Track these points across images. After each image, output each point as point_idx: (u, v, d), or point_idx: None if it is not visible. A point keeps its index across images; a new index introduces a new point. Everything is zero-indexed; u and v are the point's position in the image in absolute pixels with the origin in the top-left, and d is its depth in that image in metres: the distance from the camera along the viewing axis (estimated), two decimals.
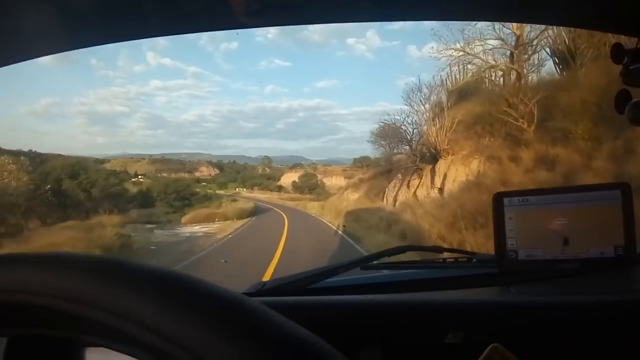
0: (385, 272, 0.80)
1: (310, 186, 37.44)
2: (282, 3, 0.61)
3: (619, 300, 0.59)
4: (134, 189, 25.60)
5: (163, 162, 46.13)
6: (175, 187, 26.39)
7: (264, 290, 0.69)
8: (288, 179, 39.76)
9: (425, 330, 0.58)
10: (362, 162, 36.97)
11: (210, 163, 49.06)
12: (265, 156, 48.52)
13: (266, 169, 45.99)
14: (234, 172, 46.79)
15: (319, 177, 37.79)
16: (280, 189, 39.33)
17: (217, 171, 46.98)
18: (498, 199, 0.69)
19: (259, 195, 36.86)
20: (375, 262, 0.77)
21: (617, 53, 0.65)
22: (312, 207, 19.68)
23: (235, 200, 25.83)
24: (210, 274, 5.04)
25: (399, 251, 0.79)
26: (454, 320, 0.58)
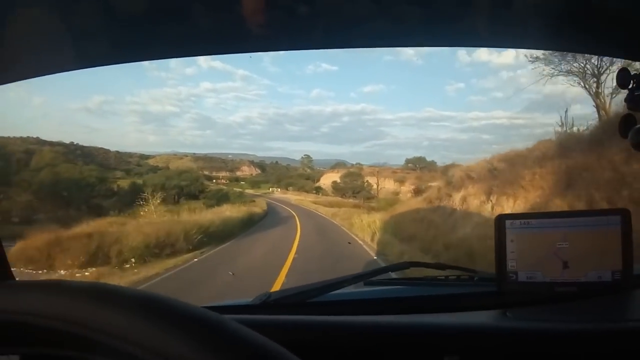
0: (387, 287, 0.94)
1: (354, 188, 35.86)
2: (294, 28, 0.74)
3: (614, 328, 0.68)
4: (122, 184, 24.62)
5: (206, 160, 51.65)
6: (178, 182, 25.12)
7: (268, 301, 0.84)
8: (328, 179, 39.65)
9: (422, 353, 0.65)
10: (415, 164, 35.95)
11: (252, 163, 54.35)
12: (305, 155, 50.08)
13: (306, 169, 47.32)
14: (276, 172, 49.82)
15: (365, 178, 36.65)
16: (318, 190, 39.11)
17: (259, 171, 51.64)
18: (500, 221, 0.83)
19: (291, 196, 36.41)
20: (378, 277, 0.92)
21: (623, 78, 0.76)
22: (368, 227, 11.21)
23: (244, 203, 23.96)
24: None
25: (402, 267, 0.96)
26: (451, 344, 0.66)
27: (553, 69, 10.58)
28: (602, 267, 0.78)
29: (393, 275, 0.96)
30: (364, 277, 0.91)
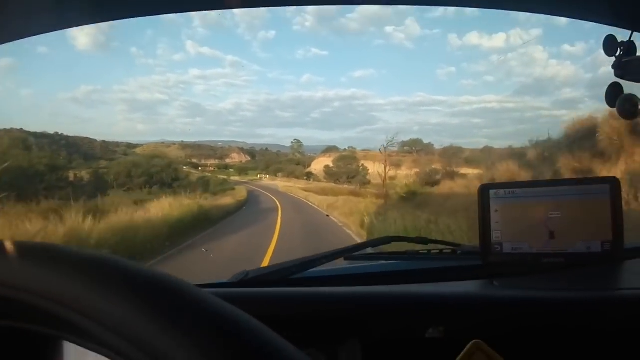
0: (369, 263, 0.95)
1: (349, 173, 35.06)
2: None
3: (603, 297, 0.70)
4: (81, 173, 22.00)
5: (194, 147, 53.16)
6: (147, 168, 23.25)
7: (246, 279, 0.83)
8: (320, 164, 39.59)
9: (406, 324, 0.66)
10: (412, 147, 36.06)
11: (242, 150, 56.07)
12: (295, 140, 50.54)
13: (296, 154, 47.60)
14: (265, 159, 50.75)
15: (361, 162, 36.19)
16: (309, 176, 39.03)
17: (249, 158, 53.12)
18: (484, 191, 0.83)
19: (280, 183, 35.61)
20: (359, 252, 0.92)
21: (610, 45, 0.77)
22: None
23: (223, 191, 23.12)
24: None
25: (383, 242, 0.96)
26: (436, 314, 0.66)
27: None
28: (591, 238, 0.79)
29: (374, 250, 0.95)
30: (345, 253, 0.91)
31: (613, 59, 0.79)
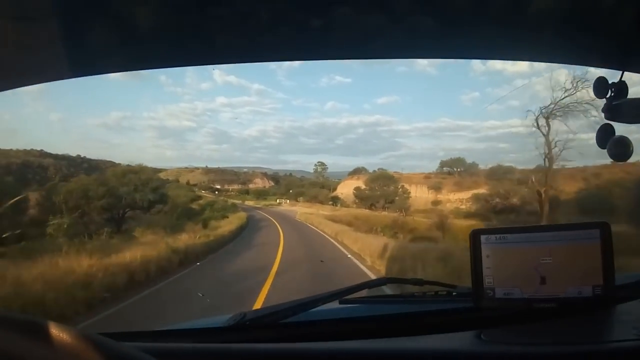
0: (364, 305, 1.05)
1: (386, 195, 31.93)
2: (309, 41, 0.93)
3: (591, 351, 0.76)
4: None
5: (217, 172, 58.46)
6: (111, 189, 18.78)
7: (243, 321, 0.96)
8: (347, 187, 38.74)
9: None
10: (452, 167, 35.06)
11: (265, 175, 60.66)
12: (319, 162, 51.61)
13: (319, 177, 48.34)
14: (287, 183, 53.11)
15: (400, 183, 32.96)
16: (335, 201, 37.41)
17: (272, 183, 56.84)
18: (475, 236, 0.95)
19: (300, 208, 32.91)
20: (354, 295, 1.03)
21: (601, 87, 0.87)
22: None
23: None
24: None
25: (379, 283, 1.07)
26: None
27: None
28: (582, 283, 0.89)
29: (370, 292, 1.08)
30: (339, 295, 1.03)
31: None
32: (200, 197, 35.49)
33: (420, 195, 33.09)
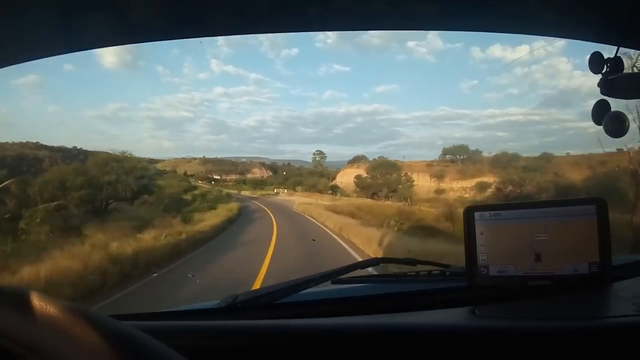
0: (356, 285, 1.06)
1: (389, 184, 31.20)
2: (294, 9, 0.92)
3: (589, 326, 0.77)
4: None
5: (215, 162, 58.99)
6: (90, 178, 17.66)
7: (235, 303, 0.97)
8: (347, 176, 38.68)
9: (391, 357, 0.74)
10: (455, 154, 34.90)
11: (263, 165, 61.56)
12: (317, 151, 52.00)
13: (318, 166, 48.78)
14: (285, 172, 53.63)
15: (404, 171, 32.50)
16: (335, 190, 37.15)
17: (271, 173, 57.73)
18: (469, 213, 0.95)
19: (298, 198, 32.05)
20: (346, 275, 1.05)
21: (596, 62, 0.88)
22: None
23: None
24: None
25: (371, 264, 1.08)
26: (420, 346, 0.75)
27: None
28: (578, 260, 0.89)
29: (362, 272, 1.08)
30: (332, 276, 1.04)
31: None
32: (195, 188, 35.37)
33: (422, 183, 32.95)
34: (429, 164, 35.11)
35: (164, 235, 10.50)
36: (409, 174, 33.08)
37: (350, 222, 14.92)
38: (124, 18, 0.90)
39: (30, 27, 0.88)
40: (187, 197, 27.39)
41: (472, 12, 0.93)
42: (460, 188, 30.93)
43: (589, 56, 0.89)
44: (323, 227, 15.70)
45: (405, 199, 28.18)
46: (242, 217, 19.95)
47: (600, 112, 0.88)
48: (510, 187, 24.58)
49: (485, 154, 33.98)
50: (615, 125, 0.86)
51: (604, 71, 0.88)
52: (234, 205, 23.55)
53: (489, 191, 26.75)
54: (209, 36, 1.06)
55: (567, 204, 0.92)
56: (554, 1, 0.85)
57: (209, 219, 16.29)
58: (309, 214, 21.00)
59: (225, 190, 37.04)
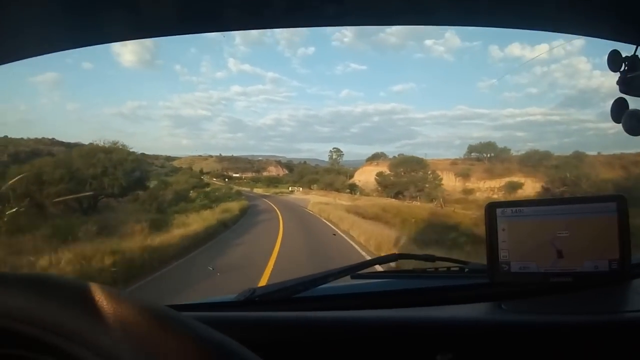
0: (376, 281, 1.12)
1: (415, 182, 29.99)
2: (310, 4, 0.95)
3: (612, 320, 0.83)
4: None
5: (231, 160, 62.22)
6: (74, 170, 16.27)
7: (253, 297, 1.00)
8: (365, 175, 38.36)
9: (414, 350, 0.77)
10: (482, 152, 33.90)
11: (279, 163, 64.17)
12: (334, 148, 52.23)
13: (335, 164, 49.02)
14: (300, 170, 55.00)
15: (430, 169, 30.91)
16: (353, 188, 36.59)
17: (287, 171, 59.57)
18: (490, 210, 1.01)
19: (314, 197, 30.86)
20: (366, 271, 1.10)
21: (614, 61, 0.92)
22: None
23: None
24: None
25: (390, 259, 1.14)
26: (444, 340, 0.77)
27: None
28: (598, 257, 0.95)
29: (381, 268, 1.14)
30: (351, 271, 1.10)
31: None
32: (207, 185, 35.98)
33: (447, 183, 32.32)
34: (454, 162, 34.48)
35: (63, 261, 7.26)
36: (436, 171, 32.14)
37: (384, 232, 11.47)
38: (137, 12, 0.93)
39: (42, 20, 0.91)
40: (194, 194, 25.78)
41: (490, 7, 0.97)
42: (488, 188, 30.36)
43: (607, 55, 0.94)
44: (348, 239, 11.96)
45: (437, 199, 26.74)
46: (242, 220, 17.34)
47: (619, 110, 0.92)
48: (564, 187, 22.09)
49: (513, 152, 33.19)
50: (634, 123, 0.90)
51: (622, 69, 0.92)
52: (236, 205, 21.44)
53: (532, 191, 25.60)
54: (223, 31, 1.08)
55: (588, 201, 0.97)
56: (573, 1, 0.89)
57: (193, 224, 13.39)
58: (326, 217, 18.07)
59: (236, 188, 37.26)
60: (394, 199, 29.01)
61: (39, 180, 14.81)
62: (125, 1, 0.90)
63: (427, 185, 30.38)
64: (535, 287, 1.00)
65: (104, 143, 19.49)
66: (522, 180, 28.02)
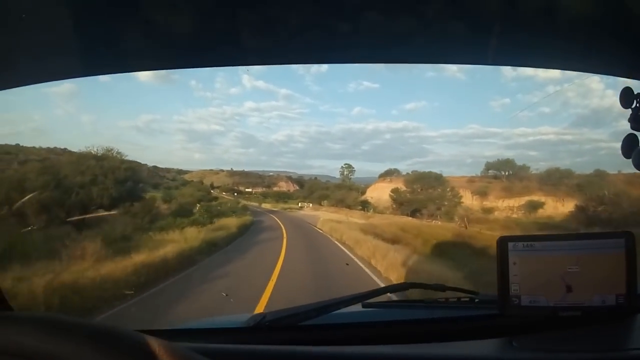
0: (386, 310, 1.15)
1: (434, 199, 29.22)
2: (338, 45, 1.05)
3: (616, 358, 0.87)
4: None
5: (242, 175, 63.60)
6: (58, 177, 14.48)
7: (263, 322, 1.04)
8: (377, 191, 37.84)
9: None
10: (499, 170, 33.31)
11: (290, 179, 65.38)
12: (346, 164, 52.56)
13: (346, 180, 49.02)
14: (310, 185, 55.82)
15: (449, 185, 30.25)
16: (365, 205, 35.85)
17: (297, 187, 60.89)
18: (502, 244, 1.06)
19: (324, 214, 29.44)
20: (377, 299, 1.13)
21: (627, 98, 0.97)
22: None
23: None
24: None
25: (401, 288, 1.17)
26: None
27: None
28: (606, 291, 1.00)
29: (392, 296, 1.18)
30: (362, 299, 1.13)
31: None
32: (216, 198, 36.23)
33: (464, 201, 31.91)
34: (471, 180, 33.84)
35: None
36: (455, 188, 31.26)
37: (425, 267, 8.55)
38: (160, 47, 1.04)
39: (64, 48, 1.01)
40: (199, 208, 24.00)
41: (499, 47, 1.03)
42: (507, 207, 29.87)
43: (620, 91, 0.99)
44: (373, 274, 8.71)
45: (459, 218, 25.13)
46: (238, 241, 15.23)
47: (630, 146, 0.98)
48: (602, 207, 19.80)
49: (533, 170, 32.65)
50: None
51: (634, 106, 0.98)
52: (234, 222, 19.44)
53: (554, 211, 24.84)
54: (239, 65, 1.20)
55: (598, 237, 1.03)
56: (585, 38, 0.94)
57: (167, 245, 10.55)
58: (338, 238, 15.39)
59: (243, 202, 37.20)
60: (411, 217, 28.02)
61: (20, 186, 13.24)
62: (144, 34, 0.98)
63: (445, 203, 29.57)
64: (545, 320, 1.04)
65: (96, 149, 17.88)
66: (543, 199, 27.58)
